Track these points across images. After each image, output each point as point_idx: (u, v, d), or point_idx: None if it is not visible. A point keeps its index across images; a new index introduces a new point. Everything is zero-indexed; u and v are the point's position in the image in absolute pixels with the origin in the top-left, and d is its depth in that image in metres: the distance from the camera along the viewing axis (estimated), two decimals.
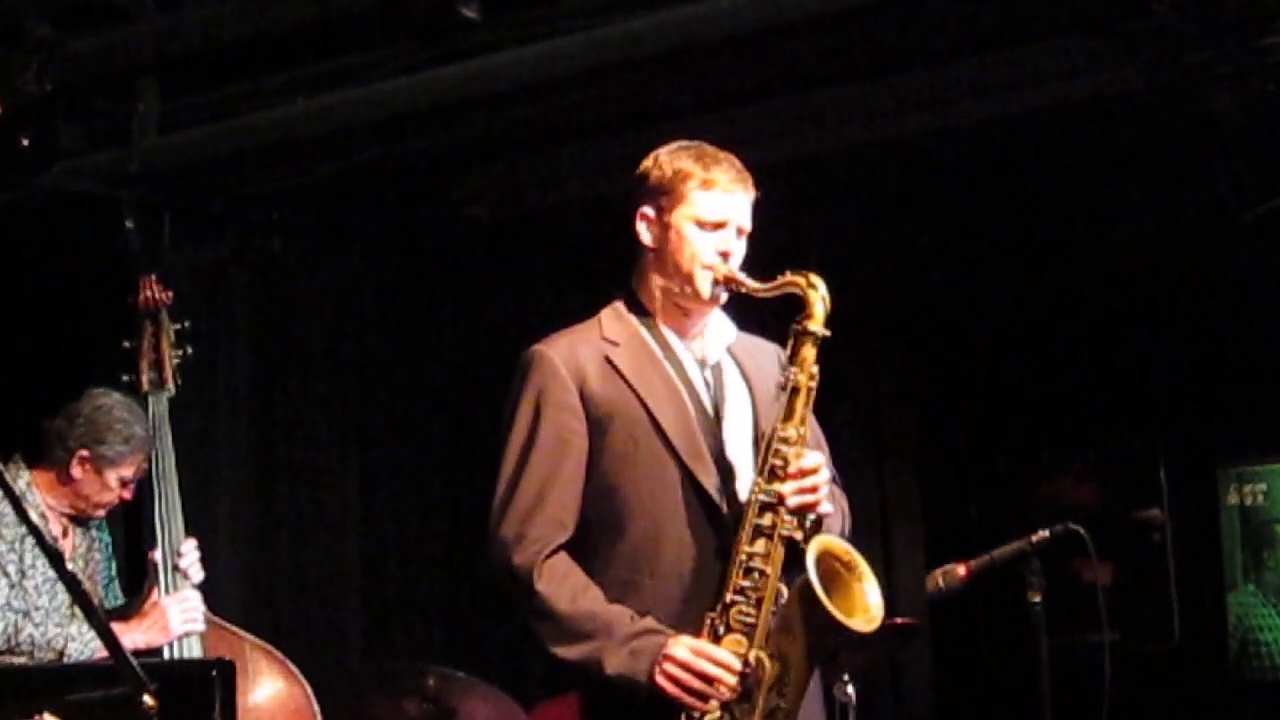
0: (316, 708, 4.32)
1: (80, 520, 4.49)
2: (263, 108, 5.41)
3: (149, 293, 4.57)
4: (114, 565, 4.61)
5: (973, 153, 5.76)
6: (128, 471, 4.42)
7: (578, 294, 6.54)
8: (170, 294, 4.61)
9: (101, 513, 4.50)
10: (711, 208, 3.26)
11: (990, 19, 4.94)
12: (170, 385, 4.49)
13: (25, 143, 5.12)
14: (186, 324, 4.62)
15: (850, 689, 4.94)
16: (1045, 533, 4.14)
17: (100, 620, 2.82)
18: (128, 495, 4.51)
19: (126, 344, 4.56)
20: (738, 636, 3.13)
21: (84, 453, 4.36)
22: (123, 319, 5.76)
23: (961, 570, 4.27)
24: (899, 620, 5.57)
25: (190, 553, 4.36)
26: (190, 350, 4.59)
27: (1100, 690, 4.16)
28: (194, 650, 4.27)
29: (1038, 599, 4.09)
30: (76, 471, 4.37)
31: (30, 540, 4.25)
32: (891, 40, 5.08)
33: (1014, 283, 6.58)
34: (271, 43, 5.08)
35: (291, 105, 5.36)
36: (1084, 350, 6.71)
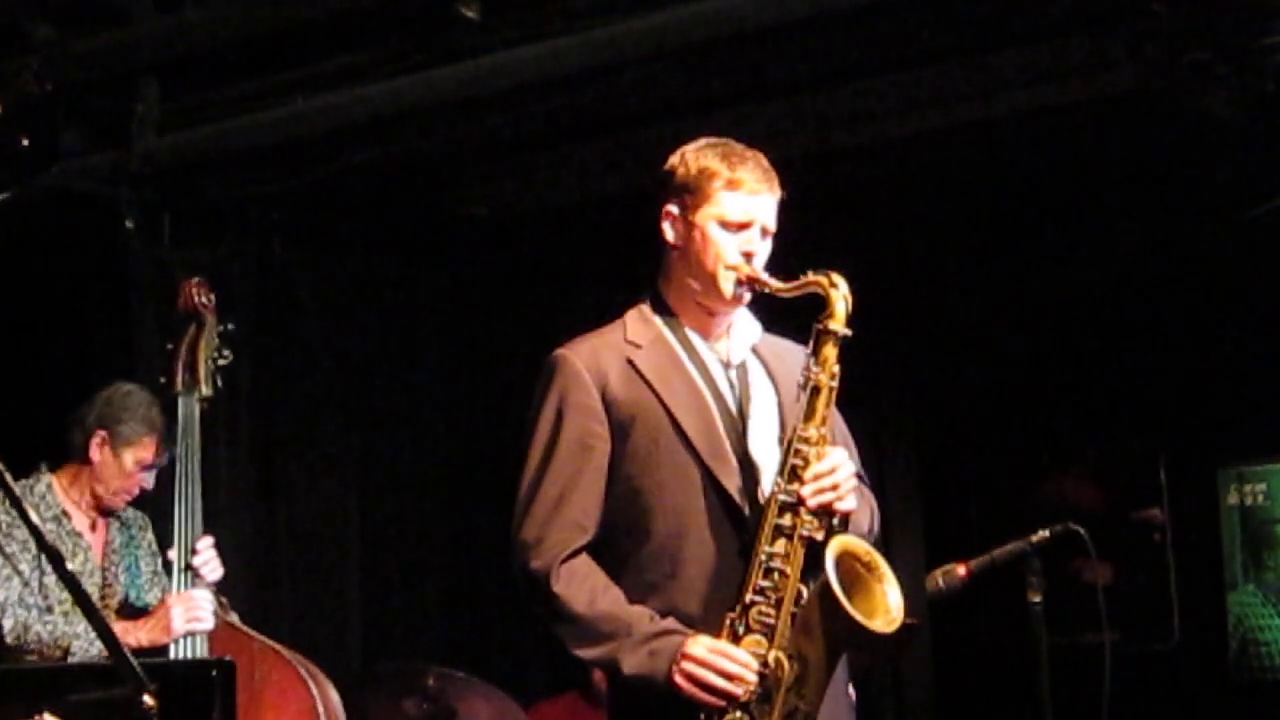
0: (323, 709, 4.31)
1: (117, 517, 4.52)
2: (262, 108, 5.41)
3: (190, 296, 4.55)
4: (158, 562, 4.62)
5: (973, 153, 5.76)
6: (144, 454, 4.44)
7: (579, 293, 6.55)
8: (214, 297, 4.58)
9: (121, 502, 4.50)
10: (736, 208, 3.24)
11: (990, 19, 4.94)
12: (203, 387, 4.45)
13: (25, 143, 5.12)
14: (230, 326, 4.59)
15: (850, 689, 4.93)
16: (1045, 533, 4.14)
17: (100, 619, 2.82)
18: (147, 484, 4.51)
19: (169, 345, 4.54)
20: (757, 637, 3.12)
21: (102, 432, 4.43)
22: (122, 319, 5.79)
23: (961, 570, 4.26)
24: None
25: (205, 550, 4.34)
26: (229, 354, 4.56)
27: (1100, 690, 4.15)
28: (198, 650, 4.26)
29: (1038, 599, 4.09)
30: (95, 454, 4.42)
31: (48, 538, 4.28)
32: (891, 40, 5.08)
33: (1014, 283, 6.58)
34: (271, 43, 5.09)
35: (291, 105, 5.36)
36: (1084, 350, 6.71)
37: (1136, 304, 6.54)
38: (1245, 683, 6.61)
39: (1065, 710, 4.10)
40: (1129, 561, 6.63)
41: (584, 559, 3.20)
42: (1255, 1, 4.75)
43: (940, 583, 4.29)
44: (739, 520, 3.19)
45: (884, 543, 6.64)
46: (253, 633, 4.43)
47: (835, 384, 3.21)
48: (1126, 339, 6.61)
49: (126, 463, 4.44)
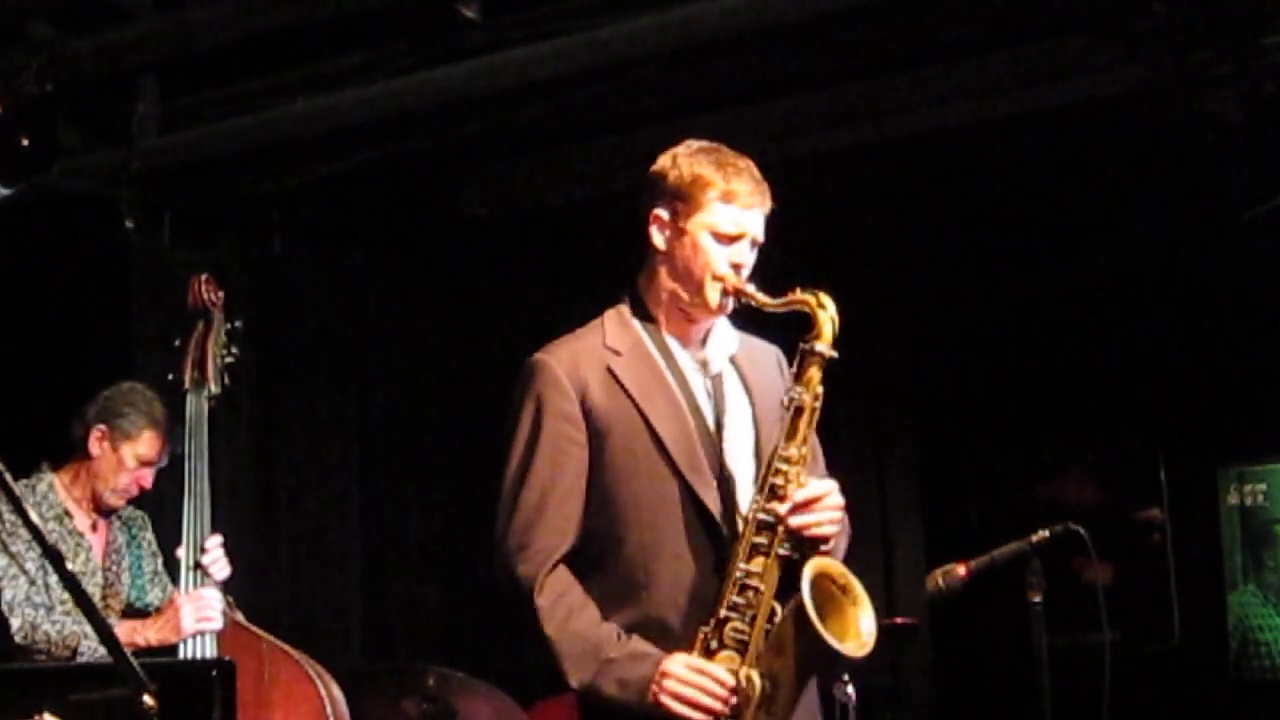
0: (330, 709, 4.30)
1: (118, 516, 4.52)
2: (263, 108, 5.41)
3: (199, 292, 4.54)
4: (159, 561, 4.61)
5: (973, 153, 5.76)
6: (144, 449, 4.44)
7: (577, 294, 6.53)
8: (222, 294, 4.57)
9: (120, 501, 4.49)
10: (729, 220, 3.21)
11: (990, 19, 4.94)
12: (212, 385, 4.43)
13: (25, 143, 5.12)
14: (238, 324, 4.58)
15: (850, 689, 4.94)
16: (1045, 533, 4.15)
17: (100, 620, 2.82)
18: (146, 483, 4.50)
19: (177, 342, 4.53)
20: (730, 653, 3.12)
21: (102, 427, 4.43)
22: (122, 319, 5.79)
23: (961, 570, 4.27)
24: (899, 620, 5.57)
25: (214, 549, 4.33)
26: (237, 351, 4.54)
27: (1100, 690, 4.16)
28: (208, 649, 4.24)
29: (1038, 599, 4.10)
30: (95, 449, 4.42)
31: (50, 536, 4.29)
32: (892, 40, 5.08)
33: (1014, 283, 6.58)
34: (271, 43, 5.09)
35: (291, 105, 5.36)
36: (1084, 350, 6.71)
37: (1136, 304, 6.54)
38: (1245, 683, 6.62)
39: (1065, 710, 4.10)
40: (1129, 561, 6.64)
41: (563, 572, 3.20)
42: (1255, 1, 4.75)
43: (940, 583, 4.30)
44: (714, 534, 3.18)
45: (884, 543, 6.68)
46: (261, 632, 4.41)
47: (818, 405, 3.19)
48: (1126, 339, 6.62)
49: (126, 458, 4.44)
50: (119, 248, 5.75)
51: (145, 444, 4.45)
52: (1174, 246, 6.22)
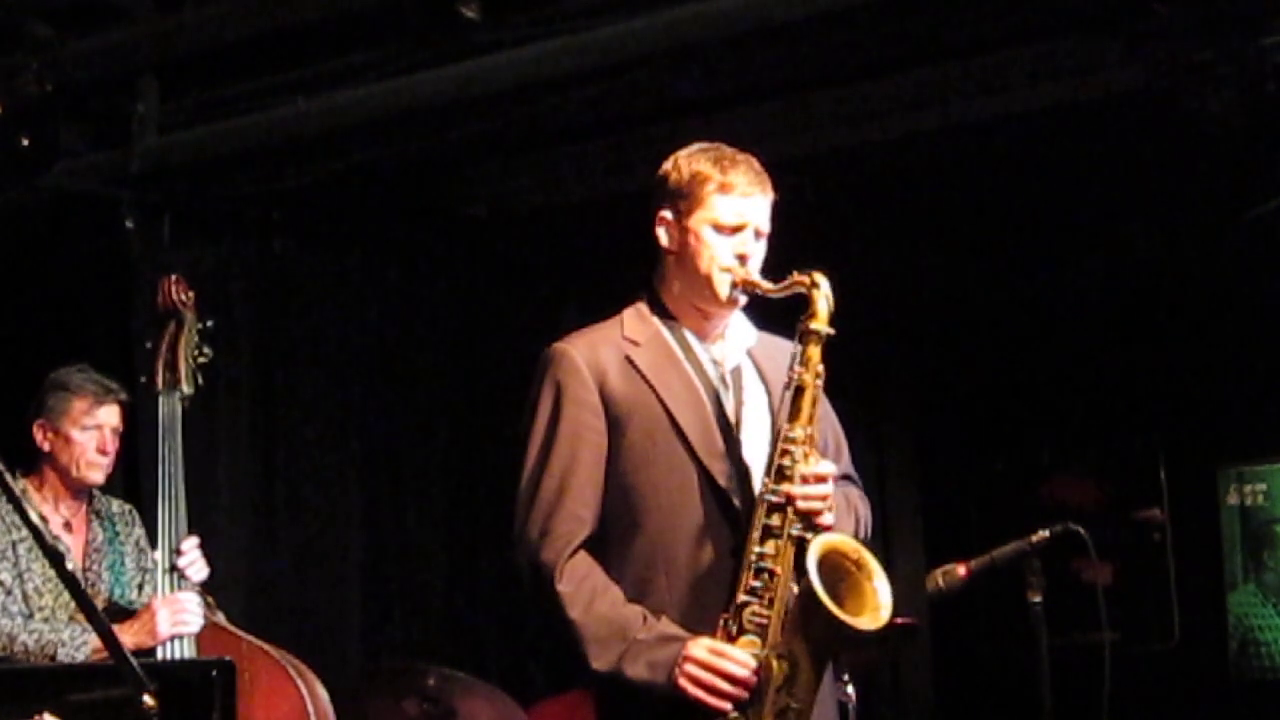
0: (312, 708, 4.28)
1: (97, 513, 4.50)
2: (263, 108, 5.42)
3: (169, 293, 4.52)
4: (147, 558, 4.58)
5: (973, 153, 5.76)
6: (79, 415, 4.38)
7: (577, 294, 6.56)
8: (193, 294, 4.55)
9: (94, 473, 4.41)
10: (729, 211, 3.26)
11: (990, 19, 4.94)
12: (185, 386, 4.41)
13: (25, 143, 5.12)
14: (210, 324, 4.57)
15: (850, 689, 4.94)
16: (1045, 533, 4.14)
17: (100, 620, 2.81)
18: (108, 447, 4.43)
19: (148, 344, 4.52)
20: (751, 637, 3.14)
21: (39, 421, 4.41)
22: (122, 319, 5.79)
23: (961, 570, 4.27)
24: (899, 620, 5.56)
25: (190, 551, 4.30)
26: (209, 351, 4.52)
27: (1100, 690, 4.16)
28: (186, 651, 4.21)
29: (1038, 599, 4.09)
30: (44, 444, 4.40)
31: (24, 544, 4.26)
32: (892, 40, 5.08)
33: (1014, 283, 6.58)
34: (271, 43, 5.09)
35: (291, 105, 5.36)
36: (1084, 351, 6.71)
37: (1136, 304, 6.54)
38: (1245, 683, 6.62)
39: (1065, 710, 4.10)
40: (1129, 561, 6.65)
41: (584, 557, 3.22)
42: (1255, 1, 4.75)
43: (940, 583, 4.30)
44: (733, 520, 3.21)
45: (884, 543, 6.69)
46: (240, 632, 4.38)
47: (820, 383, 3.23)
48: (1126, 339, 6.62)
49: (70, 433, 4.39)
50: (119, 248, 5.75)
51: (77, 410, 4.40)
52: (1174, 246, 6.22)
